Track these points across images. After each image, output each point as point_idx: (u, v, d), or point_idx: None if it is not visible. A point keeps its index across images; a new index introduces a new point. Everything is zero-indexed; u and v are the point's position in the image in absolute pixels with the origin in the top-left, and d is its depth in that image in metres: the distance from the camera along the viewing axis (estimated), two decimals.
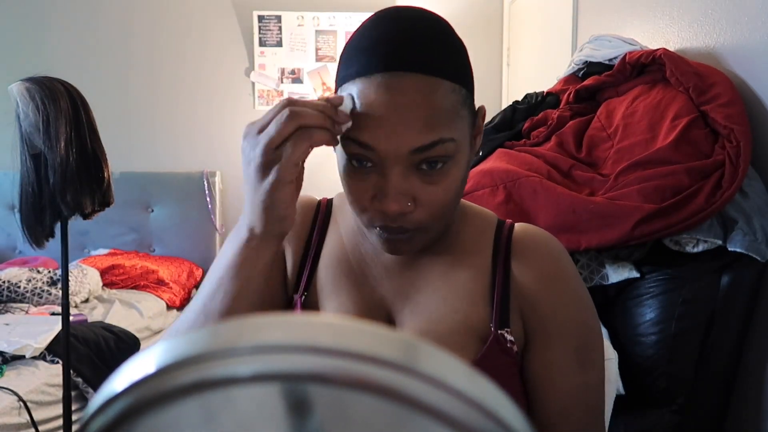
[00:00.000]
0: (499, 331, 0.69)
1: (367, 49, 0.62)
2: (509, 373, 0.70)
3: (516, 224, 0.76)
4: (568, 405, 0.70)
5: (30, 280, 2.59)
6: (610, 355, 0.87)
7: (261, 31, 3.25)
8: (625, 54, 1.54)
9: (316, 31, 3.24)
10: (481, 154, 1.59)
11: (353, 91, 0.61)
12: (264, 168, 0.58)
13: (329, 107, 0.60)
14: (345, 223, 0.78)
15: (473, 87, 0.67)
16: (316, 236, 0.78)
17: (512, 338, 0.70)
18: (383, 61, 0.60)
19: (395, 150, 0.60)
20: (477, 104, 0.69)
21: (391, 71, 0.60)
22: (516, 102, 1.82)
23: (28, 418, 1.86)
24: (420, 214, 0.64)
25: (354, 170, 0.64)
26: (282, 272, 0.79)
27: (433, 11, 0.66)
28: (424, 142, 0.60)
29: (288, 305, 0.79)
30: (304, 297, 0.76)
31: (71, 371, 1.79)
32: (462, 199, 0.76)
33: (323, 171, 3.01)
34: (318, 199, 0.83)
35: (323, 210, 0.80)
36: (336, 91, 0.66)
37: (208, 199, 3.20)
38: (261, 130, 0.58)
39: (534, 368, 0.71)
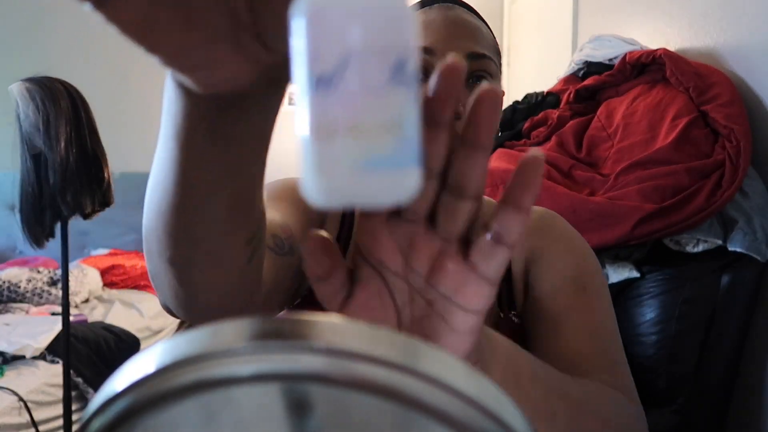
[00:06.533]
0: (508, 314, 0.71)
1: None
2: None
3: None
4: (576, 348, 0.65)
5: (30, 280, 2.59)
6: None
7: None
8: (626, 54, 1.54)
9: None
10: None
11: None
12: None
13: None
14: None
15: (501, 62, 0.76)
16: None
17: (515, 312, 0.72)
18: None
19: (455, 51, 0.66)
20: None
21: (447, 3, 0.71)
22: (516, 102, 1.82)
23: (29, 418, 1.86)
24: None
25: None
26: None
27: None
28: (479, 50, 0.68)
29: None
30: None
31: (71, 371, 1.79)
32: None
33: None
34: None
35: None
36: None
37: None
38: None
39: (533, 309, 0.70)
